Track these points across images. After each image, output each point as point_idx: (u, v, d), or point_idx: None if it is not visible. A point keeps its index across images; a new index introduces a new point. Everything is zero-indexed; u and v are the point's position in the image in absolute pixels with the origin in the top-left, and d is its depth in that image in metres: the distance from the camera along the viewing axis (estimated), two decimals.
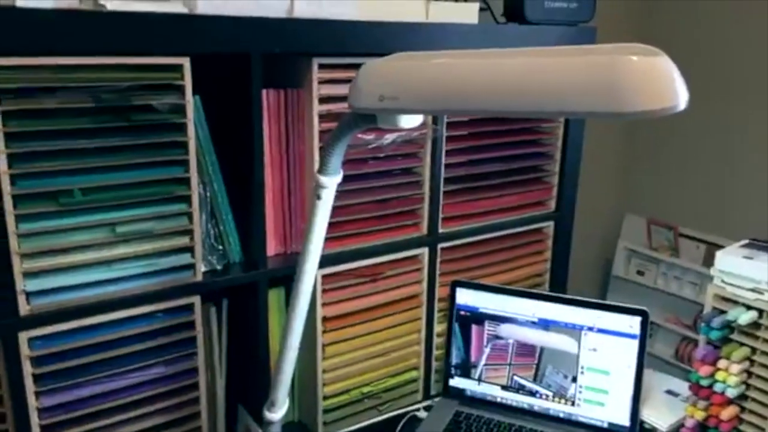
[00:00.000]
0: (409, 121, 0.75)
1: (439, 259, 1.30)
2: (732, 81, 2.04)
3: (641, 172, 2.31)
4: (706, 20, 2.08)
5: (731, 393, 1.05)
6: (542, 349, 1.21)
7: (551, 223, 1.47)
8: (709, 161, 2.12)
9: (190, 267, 1.02)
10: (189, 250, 1.01)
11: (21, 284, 0.89)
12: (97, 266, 0.94)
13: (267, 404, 0.94)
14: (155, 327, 1.01)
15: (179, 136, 0.96)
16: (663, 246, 2.17)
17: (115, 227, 0.94)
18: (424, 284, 1.30)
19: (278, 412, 0.94)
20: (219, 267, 1.07)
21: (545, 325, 1.21)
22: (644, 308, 1.15)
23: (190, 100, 0.96)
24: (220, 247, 1.08)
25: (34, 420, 0.93)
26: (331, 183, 0.80)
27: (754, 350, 1.05)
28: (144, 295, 0.98)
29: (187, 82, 0.95)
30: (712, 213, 2.12)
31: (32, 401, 0.92)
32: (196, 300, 1.04)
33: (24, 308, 0.90)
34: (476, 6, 1.23)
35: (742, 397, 1.07)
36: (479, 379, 1.26)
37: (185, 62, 0.94)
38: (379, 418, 1.26)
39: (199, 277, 1.03)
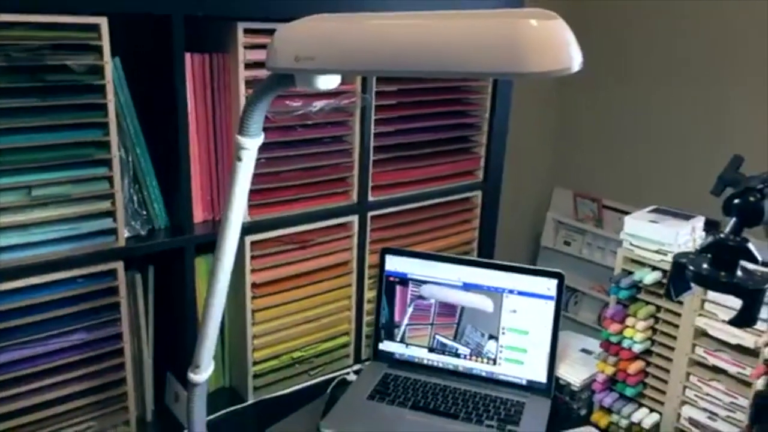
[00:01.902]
0: (326, 82, 0.76)
1: (369, 227, 1.33)
2: (654, 63, 2.14)
3: (569, 148, 2.40)
4: (633, 1, 2.16)
5: (637, 348, 1.12)
6: (462, 309, 1.26)
7: (479, 193, 1.51)
8: (630, 138, 2.22)
9: (112, 232, 1.01)
10: (110, 214, 1.00)
11: None
12: (13, 230, 0.92)
13: (191, 367, 0.95)
14: (77, 292, 1.00)
15: (98, 98, 0.95)
16: (588, 217, 2.27)
17: (30, 190, 0.92)
18: (354, 251, 1.32)
19: (203, 374, 0.94)
20: (143, 232, 1.06)
21: (469, 288, 1.26)
22: (560, 271, 1.22)
23: (108, 62, 0.94)
24: (144, 213, 1.07)
25: None
26: (251, 144, 0.81)
27: (658, 308, 1.12)
28: (64, 260, 0.97)
29: (105, 43, 0.93)
30: (633, 186, 2.22)
31: None
32: (119, 266, 1.03)
33: None
34: None
35: (648, 352, 1.14)
36: (404, 342, 1.30)
37: (103, 22, 0.92)
38: (310, 383, 1.29)
39: (122, 243, 1.02)
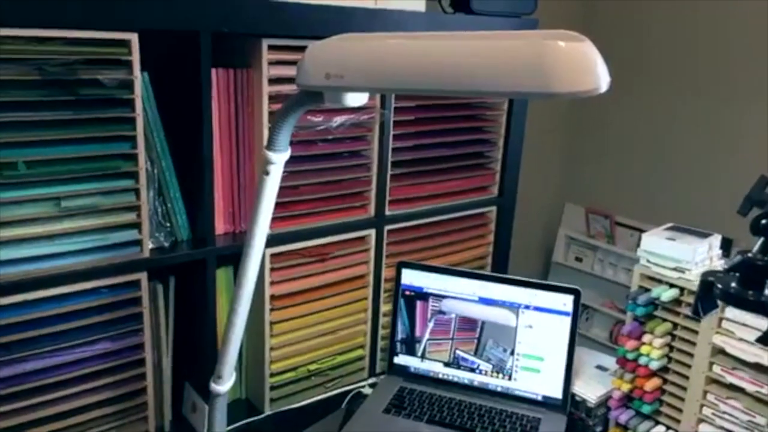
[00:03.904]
0: (355, 99, 0.77)
1: (385, 241, 1.34)
2: (668, 78, 2.15)
3: (581, 164, 2.41)
4: (644, 16, 2.18)
5: (654, 365, 1.13)
6: (483, 324, 1.27)
7: (494, 208, 1.52)
8: (643, 155, 2.23)
9: (137, 243, 1.03)
10: (136, 226, 1.02)
11: None
12: (42, 240, 0.94)
13: (213, 377, 0.96)
14: (101, 302, 1.01)
15: (127, 111, 0.97)
16: (600, 234, 2.27)
17: (60, 201, 0.94)
18: (371, 265, 1.33)
19: (225, 384, 0.95)
20: (166, 244, 1.08)
21: (486, 303, 1.26)
22: (576, 287, 1.22)
23: (138, 76, 0.96)
24: (168, 225, 1.09)
25: None
26: (278, 159, 0.83)
27: (675, 325, 1.13)
28: (90, 271, 0.98)
29: (135, 58, 0.95)
30: (645, 203, 2.23)
31: None
32: (143, 276, 1.04)
33: None
34: None
35: (665, 369, 1.15)
36: (423, 356, 1.30)
37: (133, 38, 0.94)
38: (326, 395, 1.30)
39: (146, 254, 1.04)
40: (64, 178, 0.94)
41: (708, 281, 0.68)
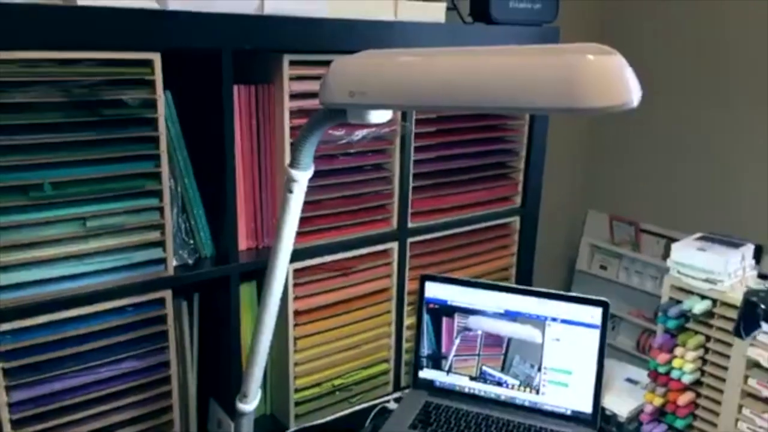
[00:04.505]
0: (379, 116, 0.77)
1: (408, 254, 1.33)
2: (689, 81, 2.12)
3: (603, 170, 2.38)
4: (665, 21, 2.15)
5: (687, 379, 1.10)
6: (510, 339, 1.25)
7: (517, 218, 1.51)
8: (667, 160, 2.20)
9: (162, 261, 1.03)
10: (160, 244, 1.02)
11: None
12: (68, 260, 0.95)
13: (239, 396, 0.95)
14: (126, 321, 1.01)
15: (150, 131, 0.97)
16: (625, 241, 2.23)
17: (85, 221, 0.94)
18: (394, 278, 1.32)
19: (251, 403, 0.95)
20: (190, 261, 1.08)
21: (511, 316, 1.25)
22: (605, 299, 1.20)
23: (161, 96, 0.96)
24: (192, 242, 1.09)
25: (5, 415, 0.93)
26: (302, 177, 0.82)
27: (708, 338, 1.10)
28: (115, 290, 0.99)
29: (158, 78, 0.95)
30: (670, 209, 2.19)
31: (2, 396, 0.92)
32: (168, 294, 1.04)
33: None
34: (443, 5, 1.26)
35: (698, 383, 1.12)
36: (449, 371, 1.29)
37: (156, 58, 0.95)
38: (350, 410, 1.29)
39: (171, 272, 1.04)
40: (89, 198, 0.94)
41: (751, 301, 0.66)
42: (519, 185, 1.49)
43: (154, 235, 1.01)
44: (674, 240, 2.12)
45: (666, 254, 2.09)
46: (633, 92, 0.59)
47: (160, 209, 1.01)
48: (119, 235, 0.98)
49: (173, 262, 1.05)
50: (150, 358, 1.05)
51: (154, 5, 0.94)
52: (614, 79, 0.58)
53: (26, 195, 0.89)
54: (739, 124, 2.03)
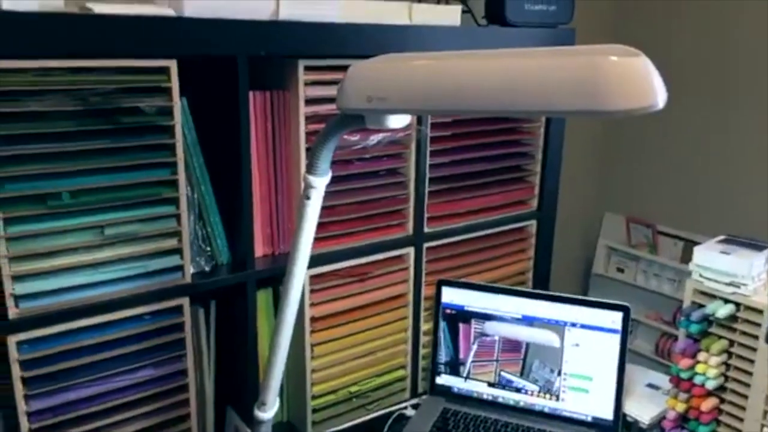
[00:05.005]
0: (397, 121, 0.76)
1: (424, 259, 1.32)
2: (707, 81, 2.09)
3: (620, 171, 2.35)
4: (681, 22, 2.13)
5: (711, 385, 1.08)
6: (528, 344, 1.23)
7: (534, 222, 1.49)
8: (685, 160, 2.17)
9: (179, 269, 1.02)
10: (177, 251, 1.02)
11: (9, 287, 0.88)
12: (86, 269, 0.94)
13: (257, 404, 0.95)
14: (144, 329, 1.01)
15: (166, 138, 0.97)
16: (642, 243, 2.21)
17: (103, 229, 0.94)
18: (410, 283, 1.31)
19: (269, 411, 0.94)
20: (207, 268, 1.08)
21: (529, 321, 1.23)
22: (626, 304, 1.18)
23: (177, 103, 0.96)
24: (208, 249, 1.08)
25: (24, 423, 0.93)
26: (319, 183, 0.82)
27: (732, 343, 1.08)
28: (133, 298, 0.98)
29: (174, 85, 0.95)
30: (688, 211, 2.16)
31: (21, 405, 0.92)
32: (185, 302, 1.04)
33: (12, 312, 0.89)
34: (458, 8, 1.25)
35: (721, 388, 1.10)
36: (467, 377, 1.27)
37: (172, 65, 0.94)
38: (368, 417, 1.28)
39: (188, 279, 1.04)
40: (106, 206, 0.94)
41: None
42: (535, 188, 1.48)
43: (171, 243, 1.01)
44: (692, 242, 2.11)
45: (684, 256, 2.06)
46: (659, 94, 0.58)
47: (177, 217, 1.00)
48: (136, 243, 0.98)
49: (190, 270, 1.04)
50: (167, 366, 1.05)
51: (170, 12, 0.94)
52: (640, 81, 0.57)
53: (44, 204, 0.89)
54: (756, 124, 2.00)
